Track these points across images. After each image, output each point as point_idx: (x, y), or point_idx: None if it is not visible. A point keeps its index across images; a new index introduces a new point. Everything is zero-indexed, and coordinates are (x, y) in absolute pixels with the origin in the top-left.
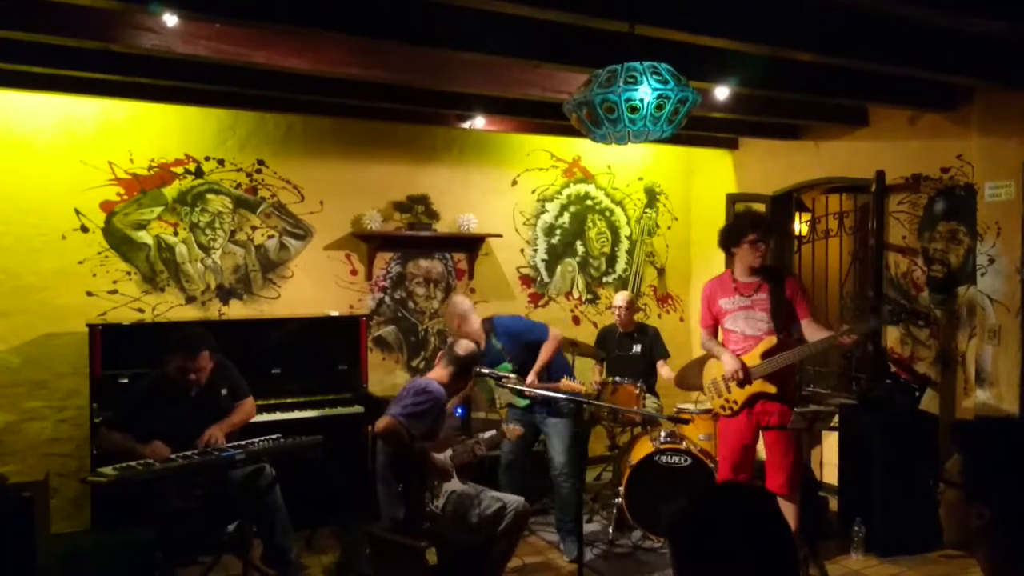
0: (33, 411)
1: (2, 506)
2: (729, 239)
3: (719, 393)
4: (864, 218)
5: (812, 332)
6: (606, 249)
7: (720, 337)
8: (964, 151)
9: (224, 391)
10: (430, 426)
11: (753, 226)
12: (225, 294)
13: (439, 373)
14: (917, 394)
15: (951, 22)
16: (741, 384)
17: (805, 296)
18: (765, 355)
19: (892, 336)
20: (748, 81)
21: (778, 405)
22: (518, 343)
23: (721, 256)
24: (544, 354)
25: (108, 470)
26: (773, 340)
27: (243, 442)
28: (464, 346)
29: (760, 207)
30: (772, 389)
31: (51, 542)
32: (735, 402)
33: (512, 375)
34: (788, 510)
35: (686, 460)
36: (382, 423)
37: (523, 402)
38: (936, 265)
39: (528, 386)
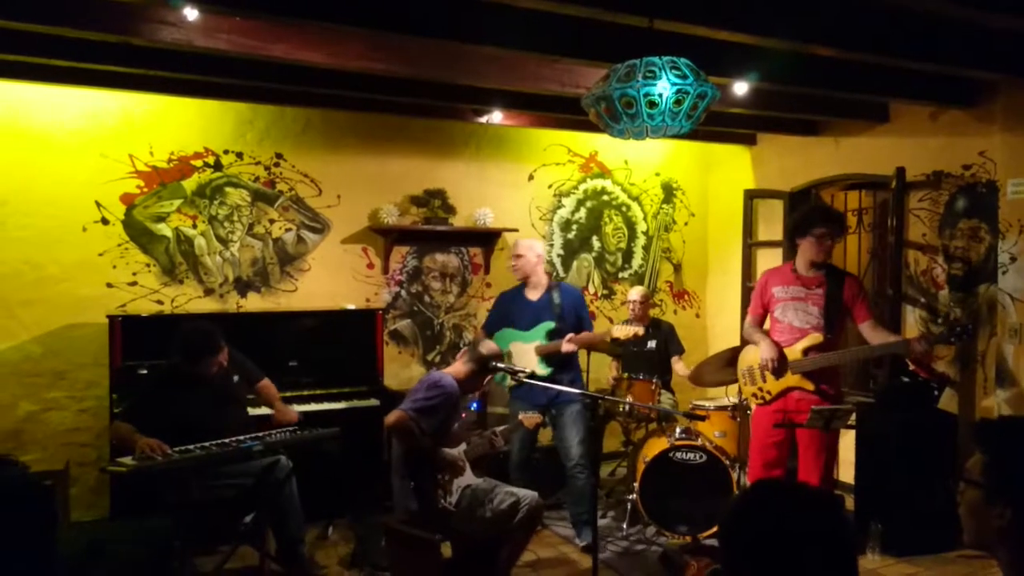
0: (54, 401)
1: (23, 494)
2: (796, 228)
3: (752, 381)
4: (883, 215)
5: (874, 336)
6: (622, 245)
7: (767, 328)
8: (987, 148)
9: (236, 378)
10: (442, 421)
11: (823, 219)
12: (243, 287)
13: (457, 368)
14: (936, 393)
15: (973, 17)
16: (776, 374)
17: (866, 298)
18: (808, 351)
19: (910, 334)
20: (767, 76)
21: (816, 402)
22: (575, 312)
23: (738, 253)
24: (589, 334)
25: (127, 460)
26: (819, 337)
27: (260, 433)
28: (488, 346)
29: (778, 203)
30: (809, 386)
31: (71, 530)
32: (768, 392)
33: (526, 369)
34: None
35: (701, 457)
36: (392, 417)
37: (548, 369)
38: (956, 263)
39: (563, 349)
